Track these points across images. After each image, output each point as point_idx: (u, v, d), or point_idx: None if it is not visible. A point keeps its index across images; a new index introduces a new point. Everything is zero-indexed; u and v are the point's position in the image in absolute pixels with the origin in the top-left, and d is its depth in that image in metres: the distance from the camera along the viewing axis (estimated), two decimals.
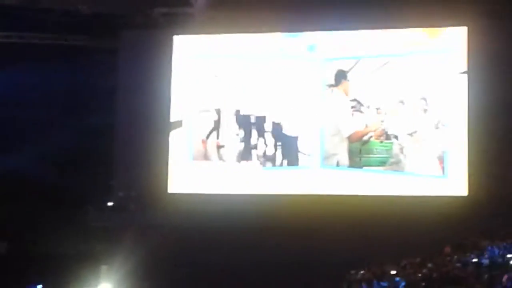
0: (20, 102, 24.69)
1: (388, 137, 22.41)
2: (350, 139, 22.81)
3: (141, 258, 21.02)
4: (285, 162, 23.39)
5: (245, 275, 20.72)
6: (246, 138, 23.67)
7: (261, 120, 23.60)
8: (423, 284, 16.10)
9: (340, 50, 23.18)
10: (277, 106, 23.57)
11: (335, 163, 22.85)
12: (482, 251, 17.10)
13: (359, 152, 22.65)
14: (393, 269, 17.65)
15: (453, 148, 21.87)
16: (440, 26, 22.44)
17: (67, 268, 21.72)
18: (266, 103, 23.62)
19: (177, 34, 24.24)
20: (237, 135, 23.76)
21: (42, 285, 20.99)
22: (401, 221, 20.50)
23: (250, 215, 21.77)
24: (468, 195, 21.45)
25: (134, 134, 23.85)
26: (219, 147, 23.78)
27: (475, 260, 16.71)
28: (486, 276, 15.54)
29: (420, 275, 16.74)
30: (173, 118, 23.88)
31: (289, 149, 23.37)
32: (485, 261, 16.42)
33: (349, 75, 22.92)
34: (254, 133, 23.64)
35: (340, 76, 23.06)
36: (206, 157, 23.78)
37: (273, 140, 23.50)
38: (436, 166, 21.94)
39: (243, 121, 23.73)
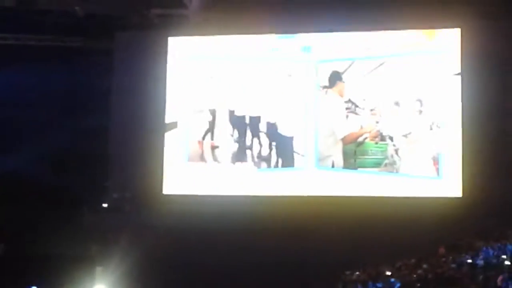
0: (15, 103, 24.66)
1: (383, 138, 22.47)
2: (344, 141, 22.86)
3: (136, 259, 20.95)
4: (280, 162, 23.42)
5: (240, 276, 20.69)
6: (241, 139, 23.72)
7: (255, 120, 23.65)
8: (418, 285, 16.16)
9: (335, 51, 23.24)
10: (271, 107, 23.61)
11: (330, 164, 22.90)
12: (476, 252, 17.18)
13: (354, 153, 22.70)
14: (388, 270, 17.72)
15: (447, 149, 21.94)
16: (433, 28, 22.51)
17: (62, 269, 21.62)
18: (261, 104, 23.67)
19: (172, 35, 24.27)
20: (232, 135, 23.80)
21: (37, 286, 20.97)
22: (396, 222, 20.52)
23: (245, 216, 21.76)
24: (463, 196, 21.51)
25: (129, 135, 23.84)
26: (213, 147, 23.81)
27: (469, 261, 16.78)
28: (481, 277, 15.60)
29: (415, 276, 16.80)
30: (168, 119, 23.91)
31: (284, 149, 23.41)
32: (480, 262, 16.49)
33: (343, 77, 22.98)
34: (249, 133, 23.69)
35: (335, 77, 23.11)
36: (201, 158, 23.81)
37: (267, 140, 23.54)
38: (430, 167, 22.01)
39: (238, 122, 23.77)
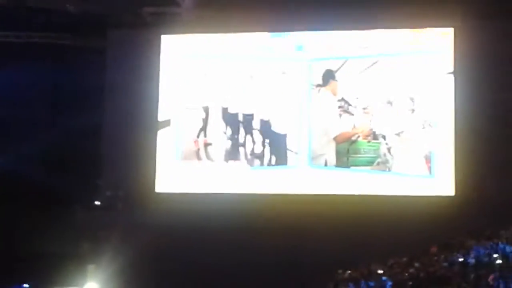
0: (6, 101, 24.61)
1: (375, 137, 22.48)
2: (337, 140, 22.87)
3: (128, 257, 20.97)
4: (273, 159, 23.42)
5: (232, 274, 20.70)
6: (234, 136, 23.72)
7: (249, 118, 23.66)
8: (410, 283, 16.22)
9: (328, 50, 23.25)
10: (265, 105, 23.61)
11: (323, 162, 22.90)
12: (468, 250, 17.23)
13: (347, 152, 22.71)
14: (380, 269, 17.77)
15: (440, 148, 21.98)
16: (427, 27, 22.54)
17: (54, 267, 21.67)
18: (254, 102, 23.66)
19: (165, 33, 24.23)
20: (225, 133, 23.80)
21: (29, 284, 20.95)
22: (388, 221, 20.56)
23: (238, 214, 21.76)
24: (455, 195, 21.56)
25: (122, 133, 23.79)
26: (206, 145, 23.79)
27: (461, 259, 16.82)
28: (472, 275, 15.67)
29: (407, 274, 16.84)
30: (161, 117, 23.88)
31: (277, 146, 23.42)
32: (471, 261, 16.55)
33: (337, 75, 22.98)
34: (242, 130, 23.69)
35: (328, 76, 23.11)
36: (194, 156, 23.77)
37: (261, 138, 23.54)
38: (423, 166, 22.04)
39: (231, 119, 23.77)
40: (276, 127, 23.41)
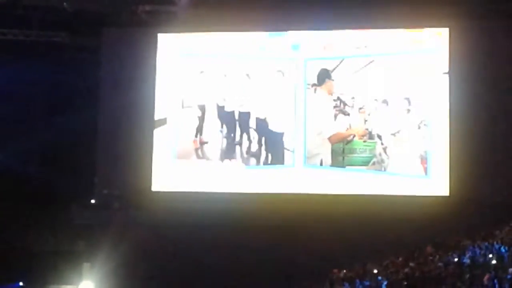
0: (2, 99, 24.55)
1: (371, 136, 22.54)
2: (331, 140, 22.91)
3: (124, 256, 20.97)
4: (269, 158, 23.47)
5: (228, 273, 20.74)
6: (230, 135, 23.76)
7: (245, 116, 23.68)
8: (405, 283, 16.22)
9: (324, 49, 23.29)
10: (261, 104, 23.64)
11: (318, 162, 22.95)
12: (463, 250, 17.26)
13: (342, 151, 22.77)
14: (375, 268, 17.79)
15: (435, 148, 22.04)
16: (422, 27, 22.60)
17: (50, 265, 21.69)
18: (251, 101, 23.69)
19: (161, 32, 24.22)
20: (221, 131, 23.83)
21: (24, 282, 20.96)
22: (383, 221, 20.62)
23: (233, 213, 21.82)
24: (450, 195, 21.62)
25: (117, 131, 23.80)
26: (202, 143, 23.81)
27: (456, 259, 16.85)
28: (467, 275, 15.68)
29: (402, 274, 16.86)
30: (157, 116, 23.87)
31: (274, 145, 23.46)
32: (467, 261, 16.56)
33: (333, 75, 23.02)
34: (238, 129, 23.72)
35: (324, 75, 23.15)
36: (190, 155, 23.79)
37: (257, 136, 23.57)
38: (418, 166, 22.11)
39: (227, 118, 23.80)
40: (272, 126, 23.45)
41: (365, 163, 22.53)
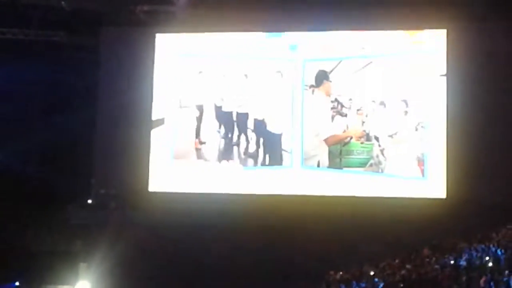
0: (0, 98, 24.53)
1: (368, 138, 22.54)
2: (327, 142, 22.90)
3: (121, 256, 20.99)
4: (267, 159, 23.44)
5: (224, 274, 20.74)
6: (228, 135, 23.74)
7: (243, 116, 23.68)
8: (402, 285, 16.27)
9: (322, 50, 23.28)
10: (259, 104, 23.63)
11: (315, 163, 22.95)
12: (460, 253, 17.29)
13: (340, 153, 22.76)
14: (372, 270, 17.82)
15: (432, 150, 22.04)
16: (420, 29, 22.59)
17: (46, 265, 21.68)
18: (249, 101, 23.67)
19: (159, 32, 24.22)
20: (219, 131, 23.82)
21: (21, 281, 20.95)
22: (380, 222, 20.60)
23: (230, 214, 21.81)
24: (447, 197, 21.61)
25: (115, 131, 23.76)
26: (200, 144, 23.80)
27: (453, 262, 16.88)
28: (464, 278, 15.72)
29: (398, 276, 16.88)
30: (154, 116, 23.86)
31: (272, 146, 23.43)
32: (463, 263, 16.60)
33: (330, 76, 23.02)
34: (236, 129, 23.71)
35: (322, 76, 23.15)
36: (187, 155, 23.78)
37: (255, 137, 23.57)
38: (415, 168, 22.09)
39: (225, 118, 23.78)
40: (270, 127, 23.44)
41: (363, 164, 22.52)
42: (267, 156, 23.46)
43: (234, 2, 22.78)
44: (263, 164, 23.45)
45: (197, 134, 23.85)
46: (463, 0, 21.58)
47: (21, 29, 25.07)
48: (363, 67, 22.78)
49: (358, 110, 22.70)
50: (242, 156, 23.63)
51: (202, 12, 23.59)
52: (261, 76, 23.67)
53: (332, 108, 22.94)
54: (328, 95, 23.04)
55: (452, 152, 21.69)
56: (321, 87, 23.12)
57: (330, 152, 22.84)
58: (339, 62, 23.00)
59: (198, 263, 21.09)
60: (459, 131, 21.73)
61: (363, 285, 17.04)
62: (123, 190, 23.40)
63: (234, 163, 23.60)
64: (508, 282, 14.85)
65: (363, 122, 22.62)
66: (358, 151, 22.61)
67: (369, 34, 23.01)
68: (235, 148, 23.72)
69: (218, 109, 23.85)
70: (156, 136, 23.79)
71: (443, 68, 22.20)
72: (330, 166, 22.82)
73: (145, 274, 21.20)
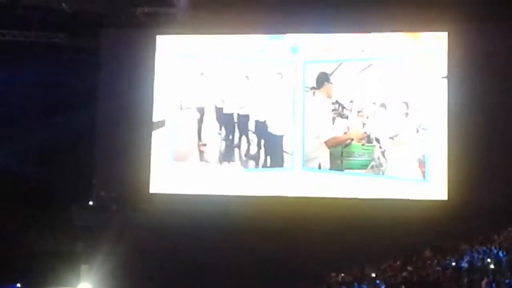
0: (1, 99, 24.53)
1: (369, 140, 22.54)
2: (327, 144, 22.91)
3: (122, 258, 20.99)
4: (268, 161, 23.43)
5: (225, 276, 20.71)
6: (229, 137, 23.74)
7: (244, 118, 23.67)
8: (403, 287, 16.30)
9: (323, 52, 23.28)
10: (261, 106, 23.63)
11: (317, 165, 22.95)
12: (461, 255, 17.33)
13: (341, 154, 22.76)
14: (374, 272, 17.86)
15: (433, 152, 22.03)
16: (421, 31, 22.60)
17: (47, 267, 21.64)
18: (250, 103, 23.68)
19: (160, 34, 24.23)
20: (220, 133, 23.81)
21: (22, 283, 20.93)
22: (381, 224, 20.57)
23: (231, 216, 21.82)
24: (448, 199, 21.61)
25: (116, 133, 23.74)
26: (201, 146, 23.81)
27: (454, 264, 16.92)
28: (465, 280, 15.76)
29: (400, 278, 16.91)
30: (155, 117, 23.86)
31: (273, 147, 23.42)
32: (465, 265, 16.64)
33: (331, 78, 23.03)
34: (237, 131, 23.70)
35: (323, 78, 23.16)
36: (188, 157, 23.77)
37: (256, 139, 23.57)
38: (416, 170, 22.10)
39: (226, 120, 23.77)
40: (272, 128, 23.44)
41: (364, 166, 22.51)
42: (268, 158, 23.46)
43: (235, 4, 22.78)
44: (264, 166, 23.46)
45: (198, 136, 23.85)
46: (464, 2, 21.56)
47: (21, 31, 25.07)
48: (364, 69, 22.79)
49: (359, 112, 22.71)
50: (243, 158, 23.63)
51: (202, 14, 23.60)
52: (262, 78, 23.68)
53: (333, 110, 22.95)
54: (329, 97, 23.06)
55: (453, 154, 21.70)
56: (322, 89, 23.13)
57: (331, 154, 22.84)
58: (340, 64, 23.01)
59: (199, 264, 21.06)
60: (460, 133, 21.73)
61: (365, 287, 17.09)
62: (124, 192, 23.40)
63: (235, 165, 23.60)
64: (510, 284, 14.91)
65: (364, 124, 22.63)
66: (359, 153, 22.61)
67: (370, 36, 23.03)
68: (236, 150, 23.73)
69: (219, 110, 23.86)
70: (157, 138, 23.78)
71: (444, 70, 22.22)
72: (331, 168, 22.81)
73: (146, 276, 21.18)
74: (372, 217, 21.03)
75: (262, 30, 23.65)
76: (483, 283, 15.22)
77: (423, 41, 22.59)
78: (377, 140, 22.45)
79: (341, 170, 22.74)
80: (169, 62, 24.13)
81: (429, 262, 17.75)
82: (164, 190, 23.59)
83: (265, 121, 23.49)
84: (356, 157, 22.62)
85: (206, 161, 23.73)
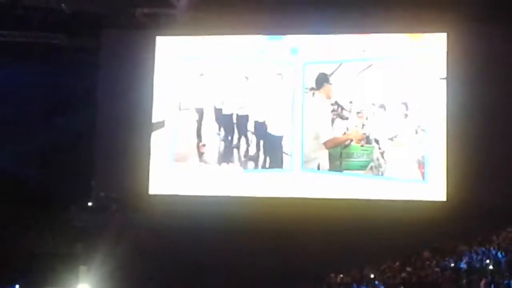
0: (0, 100, 24.54)
1: (368, 141, 22.54)
2: (326, 145, 22.91)
3: (121, 259, 21.01)
4: (267, 162, 23.42)
5: (225, 277, 20.74)
6: (228, 138, 23.73)
7: (243, 119, 23.67)
8: None
9: (323, 53, 23.28)
10: (260, 107, 23.62)
11: (316, 166, 22.94)
12: (460, 256, 17.35)
13: (340, 155, 22.75)
14: (373, 273, 17.88)
15: (432, 153, 22.03)
16: (420, 32, 22.60)
17: (46, 268, 21.67)
18: (249, 103, 23.68)
19: (160, 35, 24.22)
20: (219, 134, 23.81)
21: (22, 284, 20.95)
22: (380, 225, 20.57)
23: (231, 217, 21.78)
24: (447, 200, 21.61)
25: (115, 134, 23.74)
26: (200, 147, 23.81)
27: (453, 264, 16.94)
28: (464, 280, 15.78)
29: (399, 279, 16.93)
30: (155, 118, 23.85)
31: (272, 148, 23.42)
32: (463, 266, 16.66)
33: (331, 79, 23.04)
34: (236, 132, 23.70)
35: (322, 79, 23.16)
36: (188, 158, 23.77)
37: (255, 139, 23.57)
38: (415, 171, 22.09)
39: (225, 121, 23.77)
40: (271, 129, 23.44)
41: (363, 167, 22.51)
42: (267, 158, 23.46)
43: (235, 5, 22.78)
44: (264, 166, 23.46)
45: (198, 137, 23.85)
46: (464, 4, 21.58)
47: (21, 32, 25.07)
48: (363, 70, 22.80)
49: (358, 113, 22.71)
50: (242, 158, 23.63)
51: (202, 15, 23.61)
52: (261, 79, 23.68)
53: (332, 111, 22.95)
54: (329, 97, 23.06)
55: (452, 154, 21.70)
56: (321, 90, 23.13)
57: (330, 155, 22.83)
58: (340, 65, 23.02)
59: (198, 265, 21.08)
60: (459, 134, 21.73)
61: (364, 287, 17.08)
62: (124, 193, 23.42)
63: (234, 166, 23.60)
64: (508, 284, 14.92)
65: (363, 125, 22.63)
66: (358, 154, 22.61)
67: (369, 37, 23.02)
68: (235, 150, 23.72)
69: (218, 111, 23.85)
70: (157, 139, 23.78)
71: (443, 71, 22.22)
72: (330, 169, 22.80)
73: (145, 277, 21.21)
74: (371, 218, 21.02)
75: (261, 31, 23.65)
76: (482, 283, 15.25)
77: (422, 42, 22.57)
78: (376, 141, 22.44)
79: (340, 171, 22.73)
80: (169, 63, 24.14)
81: (428, 263, 17.79)
82: (164, 191, 23.56)
83: (264, 122, 23.50)
84: (355, 158, 22.61)
85: (206, 162, 23.73)
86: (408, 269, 17.48)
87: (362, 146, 22.58)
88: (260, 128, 23.51)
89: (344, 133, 22.80)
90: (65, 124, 24.01)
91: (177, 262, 21.25)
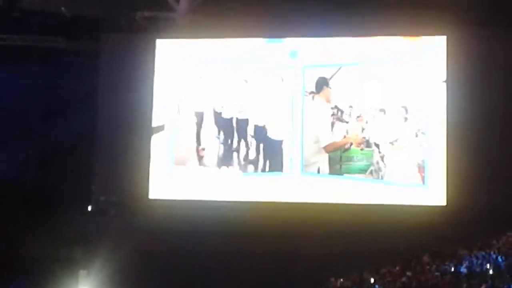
0: (0, 103, 24.55)
1: (368, 145, 22.51)
2: (326, 149, 22.88)
3: (121, 264, 20.96)
4: (267, 165, 23.39)
5: (224, 281, 20.73)
6: (228, 141, 23.71)
7: (243, 123, 23.65)
8: None
9: (322, 57, 23.26)
10: (260, 110, 23.59)
11: (316, 170, 22.92)
12: (460, 260, 17.33)
13: (340, 159, 22.73)
14: (372, 277, 17.85)
15: (432, 157, 22.00)
16: (420, 35, 22.56)
17: (46, 272, 21.64)
18: (249, 107, 23.66)
19: (160, 38, 24.21)
20: (218, 137, 23.79)
21: None
22: (380, 229, 20.53)
23: (230, 220, 21.74)
24: (447, 204, 21.57)
25: (115, 138, 23.70)
26: (200, 150, 23.79)
27: (453, 269, 16.91)
28: (464, 285, 15.76)
29: (399, 283, 16.91)
30: (155, 122, 23.83)
31: (272, 152, 23.39)
32: (464, 270, 16.66)
33: (330, 82, 23.02)
34: (236, 136, 23.67)
35: (322, 83, 23.14)
36: (187, 162, 23.75)
37: (255, 143, 23.55)
38: (415, 175, 22.05)
39: (225, 124, 23.74)
40: (271, 133, 23.41)
41: (363, 171, 22.46)
42: (267, 162, 23.43)
43: (235, 8, 22.79)
44: (263, 170, 23.43)
45: (197, 140, 23.84)
46: (463, 6, 21.57)
47: (20, 35, 25.06)
48: (363, 74, 22.78)
49: (358, 116, 22.69)
50: (242, 162, 23.61)
51: (202, 18, 23.65)
52: (261, 82, 23.66)
53: (332, 115, 22.92)
54: (328, 101, 23.04)
55: (452, 158, 21.65)
56: (321, 93, 23.11)
57: (330, 159, 22.81)
58: (339, 69, 23.00)
59: (198, 270, 21.06)
60: (459, 138, 21.69)
61: None
62: (123, 197, 23.36)
63: (234, 169, 23.59)
64: None
65: (363, 129, 22.59)
66: (358, 158, 22.58)
67: (369, 40, 22.99)
68: (234, 154, 23.70)
69: (217, 115, 23.83)
70: (156, 142, 23.76)
71: (443, 74, 22.19)
72: (330, 173, 22.78)
73: (145, 281, 21.18)
74: (371, 222, 20.98)
75: (261, 34, 23.63)
76: None
77: (422, 45, 22.55)
78: (376, 145, 22.41)
79: (340, 174, 22.70)
80: (169, 66, 24.12)
81: (428, 267, 17.75)
82: (164, 195, 23.53)
83: (264, 125, 23.48)
84: (355, 161, 22.58)
85: (205, 165, 23.70)
86: (408, 273, 17.45)
87: (362, 149, 22.55)
88: (260, 132, 23.49)
89: (344, 137, 22.78)
90: (65, 127, 23.97)
91: (176, 266, 21.21)
